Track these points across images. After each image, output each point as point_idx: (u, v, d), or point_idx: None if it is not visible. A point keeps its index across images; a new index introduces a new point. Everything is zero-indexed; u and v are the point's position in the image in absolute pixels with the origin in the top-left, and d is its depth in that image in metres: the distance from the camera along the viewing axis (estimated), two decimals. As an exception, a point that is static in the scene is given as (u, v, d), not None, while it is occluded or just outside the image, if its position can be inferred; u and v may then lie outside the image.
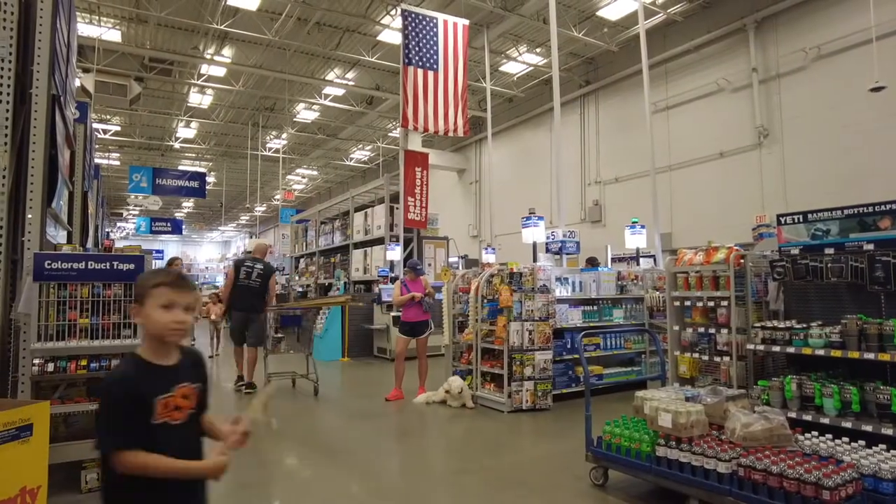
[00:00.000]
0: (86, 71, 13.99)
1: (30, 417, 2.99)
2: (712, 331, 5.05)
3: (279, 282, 20.29)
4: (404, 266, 8.52)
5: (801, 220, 4.43)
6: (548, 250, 8.33)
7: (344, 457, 5.07)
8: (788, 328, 4.13)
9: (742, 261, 4.86)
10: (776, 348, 4.17)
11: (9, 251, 3.65)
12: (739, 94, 12.54)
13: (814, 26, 11.19)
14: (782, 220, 4.59)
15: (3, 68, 3.53)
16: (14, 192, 3.71)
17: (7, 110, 3.55)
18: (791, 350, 4.08)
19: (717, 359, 4.98)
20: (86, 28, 13.42)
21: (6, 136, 3.56)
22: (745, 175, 12.29)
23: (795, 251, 4.35)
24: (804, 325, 4.07)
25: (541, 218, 8.37)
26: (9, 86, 3.56)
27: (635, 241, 10.42)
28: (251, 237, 38.21)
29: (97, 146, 19.89)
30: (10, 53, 3.56)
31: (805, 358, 4.10)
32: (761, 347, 4.28)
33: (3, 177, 3.56)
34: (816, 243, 4.28)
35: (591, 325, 7.39)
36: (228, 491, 4.20)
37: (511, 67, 16.94)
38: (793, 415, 3.91)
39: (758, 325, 4.41)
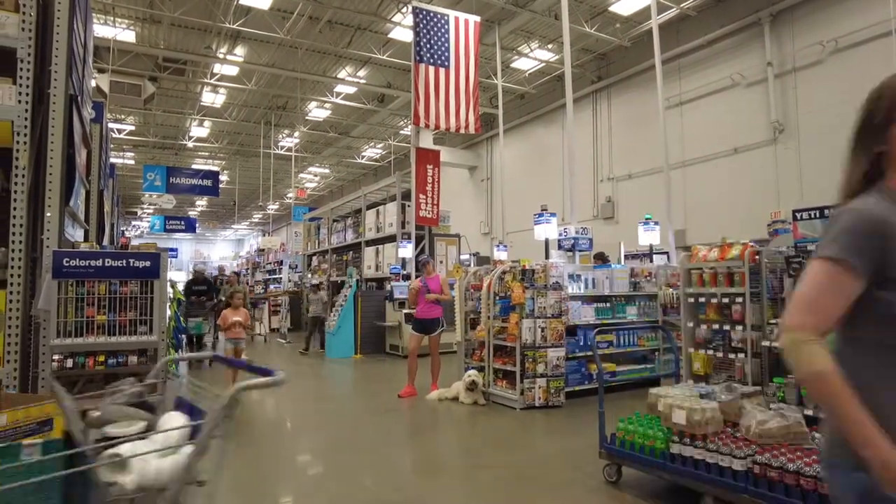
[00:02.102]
0: (101, 71, 14.14)
1: (50, 413, 3.04)
2: (727, 327, 5.01)
3: (292, 279, 20.41)
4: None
5: (817, 215, 4.39)
6: (560, 247, 8.30)
7: (357, 452, 5.10)
8: (805, 325, 4.08)
9: (757, 257, 4.82)
10: (792, 345, 4.13)
11: (28, 249, 3.71)
12: (754, 88, 12.39)
13: (831, 19, 11.02)
14: (798, 215, 4.55)
15: (22, 69, 3.58)
16: (33, 191, 3.76)
17: (26, 110, 3.60)
18: (808, 347, 4.03)
19: (732, 356, 4.94)
20: (101, 29, 13.57)
21: (25, 135, 3.61)
22: (759, 171, 12.15)
23: (812, 247, 4.30)
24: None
25: (553, 214, 8.34)
26: (27, 86, 3.61)
27: (648, 237, 10.35)
28: (264, 235, 38.45)
29: (112, 146, 20.11)
30: (29, 55, 3.61)
31: (822, 355, 4.05)
32: (777, 344, 4.24)
33: (23, 175, 3.62)
34: (833, 239, 4.23)
35: (604, 322, 7.36)
36: (242, 485, 4.25)
37: (522, 64, 16.87)
38: (809, 412, 3.87)
39: (773, 321, 4.36)
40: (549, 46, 15.77)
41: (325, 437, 5.70)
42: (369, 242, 14.55)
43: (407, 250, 12.23)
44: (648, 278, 7.93)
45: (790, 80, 11.72)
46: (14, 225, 3.60)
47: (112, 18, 13.72)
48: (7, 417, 2.77)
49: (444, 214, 13.36)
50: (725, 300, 5.00)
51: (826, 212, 4.38)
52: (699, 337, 5.28)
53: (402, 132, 23.28)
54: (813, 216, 4.45)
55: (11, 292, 3.57)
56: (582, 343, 7.12)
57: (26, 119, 3.61)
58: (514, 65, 16.91)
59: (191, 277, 11.79)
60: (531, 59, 16.44)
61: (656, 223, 10.33)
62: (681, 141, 13.63)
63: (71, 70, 3.96)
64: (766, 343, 4.35)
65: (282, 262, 23.13)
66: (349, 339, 11.75)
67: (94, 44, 12.77)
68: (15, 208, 3.60)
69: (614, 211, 15.82)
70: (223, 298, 10.65)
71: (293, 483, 4.38)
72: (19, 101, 3.58)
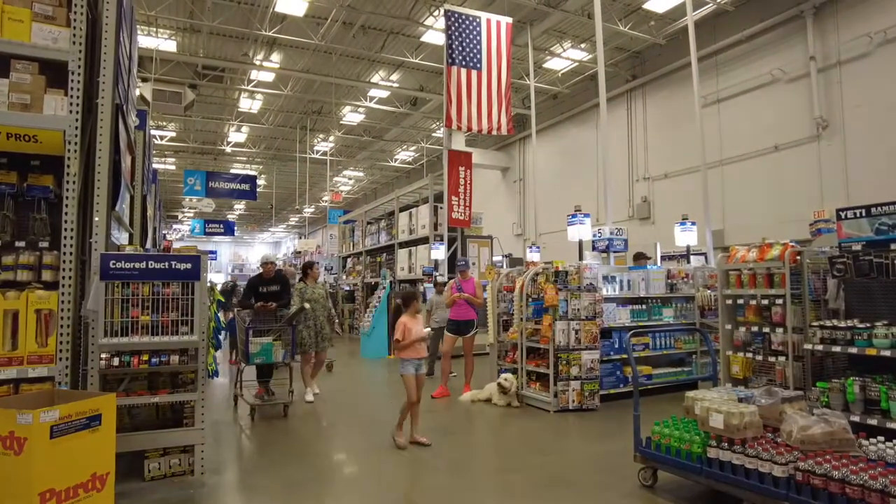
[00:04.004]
0: (144, 80, 14.66)
1: (98, 408, 3.18)
2: (766, 330, 4.88)
3: (328, 280, 20.73)
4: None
5: (863, 214, 4.23)
6: (594, 248, 8.20)
7: (390, 452, 5.15)
8: (850, 327, 3.95)
9: (798, 257, 4.68)
10: (836, 348, 4.00)
11: (78, 252, 3.88)
12: (796, 84, 12.00)
13: (879, 9, 10.59)
14: (842, 214, 4.39)
15: (72, 80, 3.76)
16: (82, 197, 3.94)
17: (76, 119, 3.77)
18: (853, 350, 3.90)
19: (772, 359, 4.81)
20: (144, 40, 14.06)
21: (76, 144, 3.78)
22: (801, 169, 11.76)
23: (858, 247, 4.15)
24: (868, 325, 3.88)
25: (587, 215, 8.25)
26: (77, 96, 3.78)
27: (685, 238, 10.13)
28: (300, 238, 39.09)
29: (154, 152, 20.79)
30: (79, 67, 3.78)
31: (869, 359, 3.91)
32: (820, 347, 4.11)
33: (74, 182, 3.79)
34: (881, 238, 4.08)
35: (640, 324, 7.24)
36: (277, 487, 4.34)
37: (555, 64, 16.74)
38: (856, 418, 3.74)
39: (816, 324, 4.23)
40: (582, 46, 15.61)
41: (357, 436, 5.77)
42: (402, 244, 14.67)
43: (439, 252, 12.28)
44: (685, 280, 7.77)
45: (835, 75, 11.31)
46: (65, 229, 3.77)
47: (155, 29, 14.21)
48: (60, 412, 2.92)
49: (476, 216, 13.36)
50: (765, 302, 4.88)
51: (873, 210, 4.21)
52: (738, 339, 5.15)
53: (434, 135, 23.38)
54: (859, 215, 4.28)
55: (63, 293, 3.74)
56: (617, 345, 7.02)
57: (77, 128, 3.78)
58: (546, 65, 16.80)
59: (257, 273, 7.66)
60: (564, 58, 16.30)
61: (693, 223, 10.11)
62: (718, 139, 13.31)
63: (117, 80, 4.13)
64: (808, 346, 4.22)
65: (318, 263, 23.48)
66: (382, 339, 11.87)
67: (138, 54, 13.26)
68: (66, 213, 3.77)
69: (650, 211, 15.55)
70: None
71: (325, 484, 4.45)
72: (70, 112, 3.75)
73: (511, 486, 4.27)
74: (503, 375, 6.99)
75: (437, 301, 9.34)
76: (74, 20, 3.81)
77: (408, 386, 5.22)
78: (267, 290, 7.14)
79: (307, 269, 7.82)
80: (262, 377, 7.13)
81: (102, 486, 3.16)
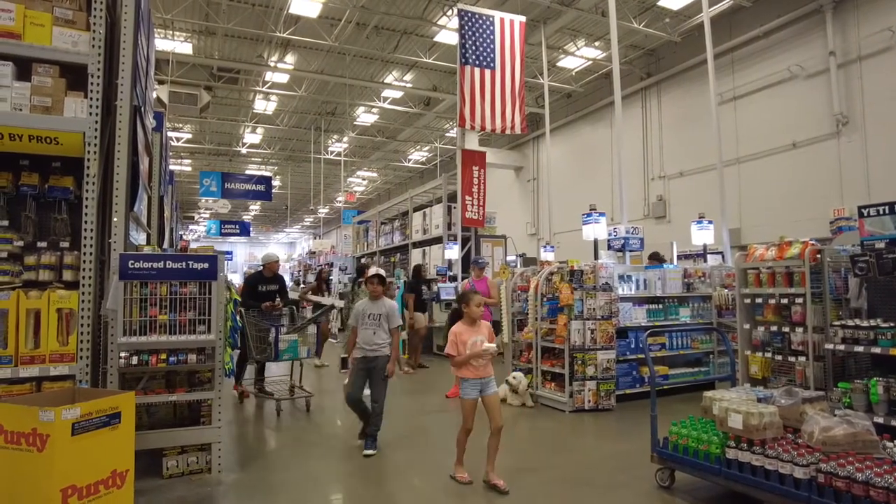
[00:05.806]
0: (161, 83, 14.85)
1: (118, 406, 3.22)
2: (786, 329, 4.81)
3: (341, 280, 20.82)
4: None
5: (886, 211, 4.15)
6: (610, 247, 8.15)
7: (405, 452, 5.16)
8: (874, 327, 3.88)
9: (818, 256, 4.60)
10: (859, 348, 3.93)
11: (97, 252, 3.94)
12: (815, 80, 11.82)
13: (899, 4, 10.40)
14: (864, 212, 4.31)
15: (92, 83, 3.81)
16: (101, 198, 3.99)
17: (96, 121, 3.82)
18: (877, 350, 3.83)
19: (792, 359, 4.74)
20: (160, 42, 14.22)
21: (95, 146, 3.83)
22: (820, 166, 11.58)
23: (881, 245, 4.07)
24: (892, 324, 3.81)
25: (602, 214, 8.20)
26: (97, 99, 3.83)
27: (702, 237, 10.03)
28: (315, 238, 39.29)
29: (171, 153, 21.03)
30: (98, 70, 3.83)
31: (893, 359, 3.83)
32: (842, 347, 4.04)
33: (93, 184, 3.84)
34: (905, 236, 4.00)
35: (656, 324, 7.18)
36: (292, 482, 4.36)
37: (569, 62, 16.65)
38: (879, 420, 3.68)
39: (837, 323, 4.16)
40: (597, 44, 15.52)
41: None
42: (416, 244, 14.69)
43: (453, 251, 12.28)
44: (702, 279, 7.69)
45: (855, 70, 11.12)
46: (85, 230, 3.83)
47: (171, 32, 14.38)
48: (81, 409, 2.96)
49: (490, 216, 13.33)
50: (784, 301, 4.80)
51: (896, 207, 4.12)
52: (756, 339, 5.09)
53: (447, 135, 23.40)
54: (882, 212, 4.20)
55: (83, 293, 3.80)
56: (633, 345, 6.97)
57: (96, 130, 3.83)
58: (560, 63, 16.72)
59: (256, 270, 7.90)
60: (578, 57, 16.21)
61: (710, 222, 10.01)
62: (735, 137, 13.15)
63: (135, 83, 4.18)
64: (829, 346, 4.15)
65: (332, 263, 23.62)
66: (397, 339, 11.87)
67: (155, 56, 13.42)
68: (86, 214, 3.83)
69: (666, 210, 15.41)
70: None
71: (341, 481, 4.46)
72: (90, 114, 3.80)
73: (526, 485, 4.25)
74: (512, 374, 6.98)
75: (362, 312, 5.18)
76: (94, 24, 3.87)
77: (464, 412, 4.40)
78: (266, 290, 7.34)
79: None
80: (256, 376, 7.41)
81: (122, 483, 3.19)
